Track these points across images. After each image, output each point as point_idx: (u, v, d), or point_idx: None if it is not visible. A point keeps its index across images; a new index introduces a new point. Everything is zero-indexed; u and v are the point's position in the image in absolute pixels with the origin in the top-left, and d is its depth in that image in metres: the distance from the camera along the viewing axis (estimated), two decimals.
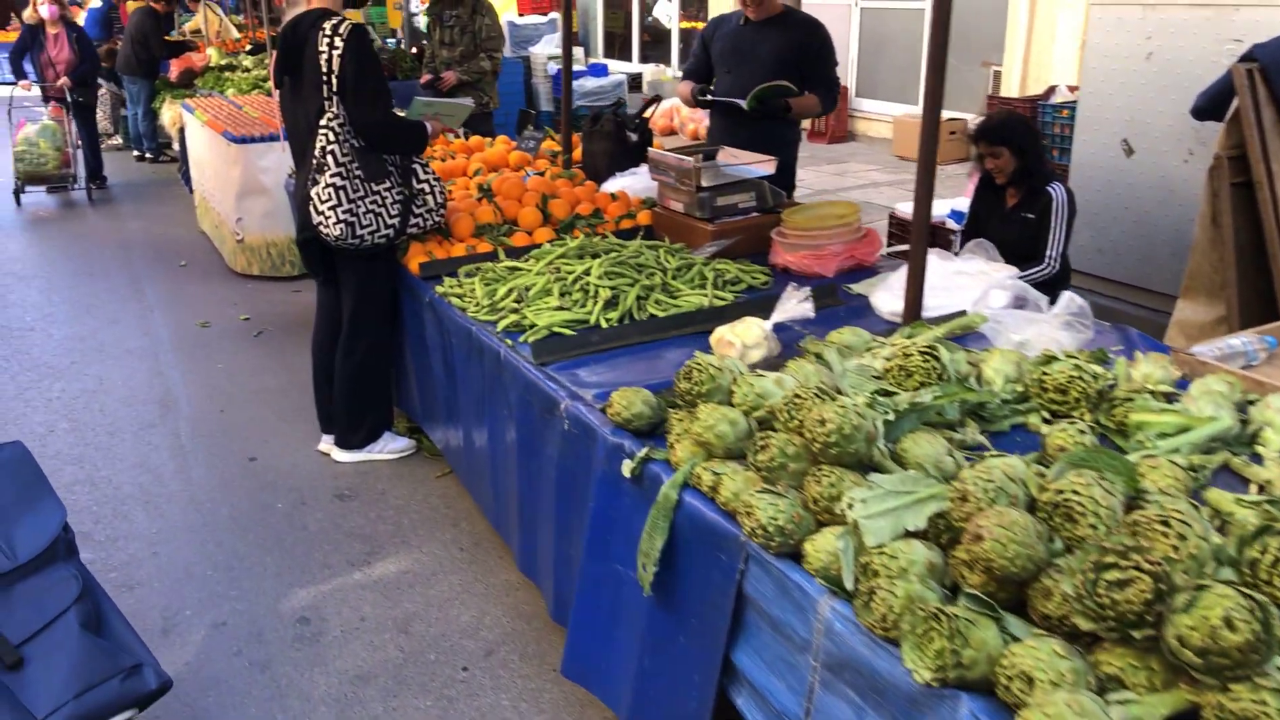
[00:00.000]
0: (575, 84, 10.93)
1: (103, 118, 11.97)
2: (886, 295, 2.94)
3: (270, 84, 6.05)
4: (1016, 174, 3.84)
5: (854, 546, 1.58)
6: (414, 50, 10.00)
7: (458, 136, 5.51)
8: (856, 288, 3.19)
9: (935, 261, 3.00)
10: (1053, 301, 2.70)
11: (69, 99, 8.77)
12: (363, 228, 3.51)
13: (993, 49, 9.19)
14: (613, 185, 4.42)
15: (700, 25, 14.09)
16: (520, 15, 13.40)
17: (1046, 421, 2.05)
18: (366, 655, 2.84)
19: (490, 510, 3.17)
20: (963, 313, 2.67)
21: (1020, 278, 2.99)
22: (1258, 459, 1.91)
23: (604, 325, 2.95)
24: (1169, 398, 2.08)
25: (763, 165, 3.68)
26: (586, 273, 3.13)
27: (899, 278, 2.96)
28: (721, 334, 2.66)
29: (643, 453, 2.10)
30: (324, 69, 3.38)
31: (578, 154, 5.02)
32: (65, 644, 1.96)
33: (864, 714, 1.54)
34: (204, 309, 5.94)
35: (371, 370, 3.82)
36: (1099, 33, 5.06)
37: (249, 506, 3.66)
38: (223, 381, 4.86)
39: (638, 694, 2.19)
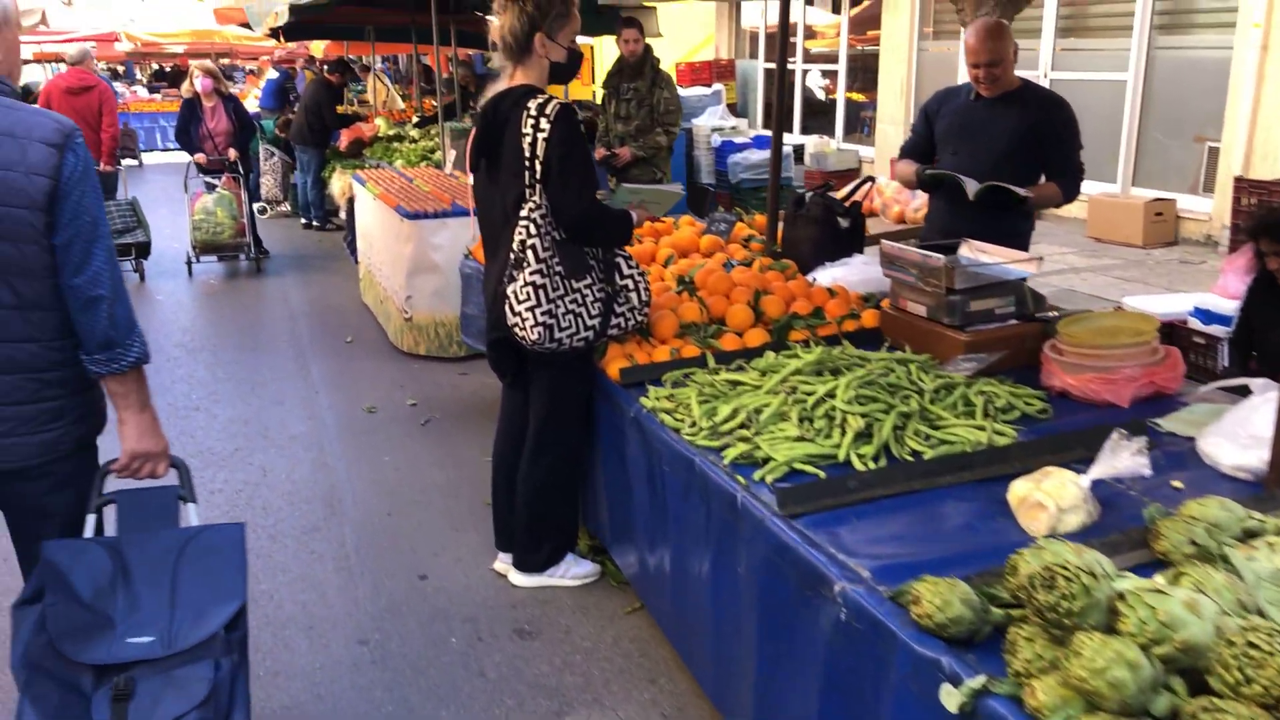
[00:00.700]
0: (738, 157, 10.56)
1: (272, 185, 12.30)
2: (1225, 444, 2.31)
3: (463, 165, 5.78)
4: None
5: None
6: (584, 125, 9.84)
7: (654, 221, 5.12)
8: (1166, 424, 2.57)
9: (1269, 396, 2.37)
10: None
11: (240, 169, 8.92)
12: (561, 330, 3.10)
13: (1209, 123, 8.35)
14: (823, 277, 3.93)
15: (862, 97, 13.58)
16: (681, 87, 13.20)
17: None
18: None
19: (707, 678, 2.63)
20: None
21: None
22: None
23: (856, 464, 2.43)
24: None
25: (1024, 265, 3.12)
26: (830, 394, 2.62)
27: (1238, 420, 2.35)
28: (1026, 492, 2.11)
29: (977, 683, 1.55)
30: (527, 153, 3.01)
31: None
32: None
33: None
34: (370, 391, 5.70)
35: (559, 485, 3.39)
36: None
37: (421, 641, 3.23)
38: (389, 476, 4.53)
39: None
